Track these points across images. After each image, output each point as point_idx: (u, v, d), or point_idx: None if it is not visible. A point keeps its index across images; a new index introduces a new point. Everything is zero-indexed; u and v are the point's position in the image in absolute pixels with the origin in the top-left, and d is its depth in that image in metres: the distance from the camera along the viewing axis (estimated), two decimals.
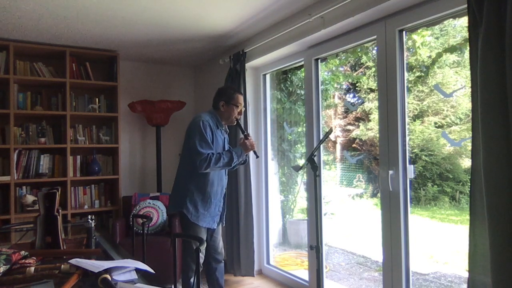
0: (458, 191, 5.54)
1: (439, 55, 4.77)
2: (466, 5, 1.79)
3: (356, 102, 6.54)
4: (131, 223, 3.23)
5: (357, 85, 6.24)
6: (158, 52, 4.17)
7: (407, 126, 2.43)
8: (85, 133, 4.07)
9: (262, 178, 3.82)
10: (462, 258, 4.07)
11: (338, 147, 7.05)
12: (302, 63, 3.28)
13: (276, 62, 3.61)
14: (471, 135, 1.76)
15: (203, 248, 2.62)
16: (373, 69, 5.57)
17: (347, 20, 2.52)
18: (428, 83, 5.33)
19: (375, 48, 2.63)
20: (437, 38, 4.77)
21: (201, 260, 2.65)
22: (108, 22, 3.19)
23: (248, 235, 3.57)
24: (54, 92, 3.96)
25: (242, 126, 2.89)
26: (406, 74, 2.43)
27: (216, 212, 2.68)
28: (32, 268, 1.43)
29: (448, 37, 4.78)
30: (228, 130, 2.83)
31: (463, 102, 5.20)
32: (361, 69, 6.26)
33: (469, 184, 1.79)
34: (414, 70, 5.00)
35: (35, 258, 1.60)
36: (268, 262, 3.81)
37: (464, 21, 3.43)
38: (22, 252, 1.59)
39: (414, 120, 5.50)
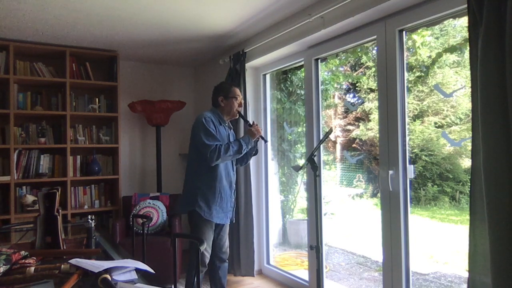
0: (458, 191, 5.54)
1: (439, 55, 4.77)
2: (466, 5, 1.79)
3: (356, 102, 6.54)
4: (131, 223, 3.23)
5: (357, 85, 6.24)
6: (158, 52, 4.17)
7: (407, 126, 2.43)
8: (85, 133, 4.07)
9: (262, 178, 3.82)
10: (462, 258, 4.07)
11: (338, 147, 7.05)
12: (302, 63, 3.28)
13: (276, 62, 3.61)
14: (471, 135, 1.76)
15: (209, 247, 2.65)
16: (373, 69, 5.57)
17: (347, 20, 2.52)
18: (428, 83, 5.33)
19: (375, 48, 2.63)
20: (437, 38, 4.77)
21: (207, 260, 2.66)
22: (108, 22, 3.19)
23: (248, 235, 3.58)
24: (54, 92, 3.96)
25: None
26: (406, 74, 2.43)
27: (229, 208, 2.72)
28: (32, 268, 1.43)
29: (448, 37, 4.78)
30: (232, 126, 2.88)
31: (463, 102, 5.19)
32: (361, 69, 6.26)
33: (469, 184, 1.79)
34: (414, 70, 5.00)
35: (35, 258, 1.60)
36: (268, 262, 3.81)
37: (464, 21, 3.44)
38: (22, 252, 1.59)
39: (414, 120, 5.50)
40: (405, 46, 2.43)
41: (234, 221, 2.89)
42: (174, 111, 4.39)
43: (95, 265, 1.37)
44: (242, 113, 2.95)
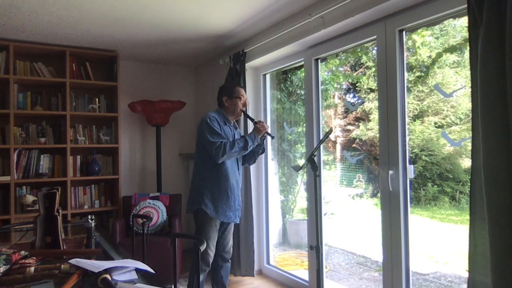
0: (458, 191, 5.54)
1: (439, 55, 4.77)
2: (466, 5, 1.79)
3: (356, 102, 6.54)
4: (131, 223, 3.23)
5: (357, 85, 6.24)
6: (158, 52, 4.17)
7: (407, 126, 2.43)
8: (85, 133, 4.07)
9: (262, 178, 3.82)
10: (462, 258, 4.07)
11: (338, 147, 7.05)
12: (302, 63, 3.28)
13: (276, 62, 3.61)
14: (471, 135, 1.76)
15: (213, 246, 2.66)
16: (373, 69, 5.57)
17: (347, 20, 2.52)
18: (428, 83, 5.33)
19: (375, 48, 2.63)
20: (437, 38, 4.77)
21: (211, 259, 2.67)
22: (108, 22, 3.19)
23: (248, 235, 3.58)
24: (54, 92, 3.96)
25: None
26: (406, 74, 2.43)
27: (237, 207, 2.74)
28: (32, 268, 1.43)
29: (448, 37, 4.78)
30: (237, 126, 2.90)
31: (463, 102, 5.20)
32: (361, 69, 6.26)
33: (469, 184, 1.79)
34: (414, 70, 5.00)
35: (35, 258, 1.60)
36: (268, 262, 3.81)
37: (464, 21, 3.44)
38: (22, 252, 1.59)
39: (414, 120, 5.50)
40: (405, 46, 2.43)
41: (239, 222, 2.91)
42: (174, 111, 4.39)
43: (95, 265, 1.37)
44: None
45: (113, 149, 4.17)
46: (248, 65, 3.67)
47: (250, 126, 3.67)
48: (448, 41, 4.72)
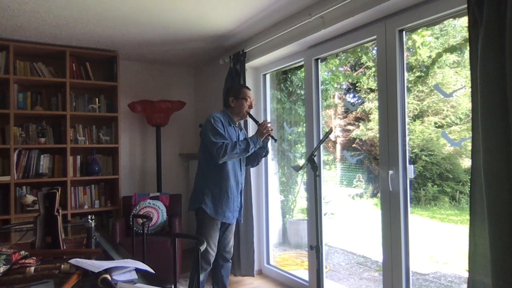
0: (458, 191, 5.54)
1: (439, 55, 4.77)
2: (466, 5, 1.79)
3: (356, 102, 6.54)
4: (131, 223, 3.23)
5: (357, 85, 6.24)
6: (158, 52, 4.17)
7: (407, 126, 2.43)
8: (85, 133, 4.07)
9: (262, 178, 3.82)
10: (462, 258, 4.08)
11: (338, 147, 7.05)
12: (302, 63, 3.28)
13: (276, 62, 3.61)
14: (471, 135, 1.76)
15: (214, 245, 2.67)
16: (373, 69, 5.57)
17: (347, 20, 2.52)
18: (428, 83, 5.33)
19: (375, 48, 2.63)
20: (437, 38, 4.77)
21: (212, 258, 2.68)
22: (108, 22, 3.19)
23: (248, 235, 3.58)
24: (54, 92, 3.96)
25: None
26: (406, 74, 2.43)
27: (235, 208, 2.74)
28: (32, 268, 1.43)
29: (448, 37, 4.78)
30: (242, 127, 2.90)
31: (463, 102, 5.20)
32: (361, 69, 6.26)
33: (469, 184, 1.79)
34: (414, 70, 5.00)
35: (35, 258, 1.60)
36: (268, 262, 3.81)
37: (464, 21, 3.44)
38: (22, 252, 1.59)
39: (414, 120, 5.50)
40: (405, 46, 2.43)
41: (241, 221, 2.91)
42: (174, 111, 4.39)
43: (95, 265, 1.37)
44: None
45: (113, 149, 4.17)
46: (248, 65, 3.66)
47: (250, 126, 3.67)
48: (448, 41, 4.73)
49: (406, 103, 2.42)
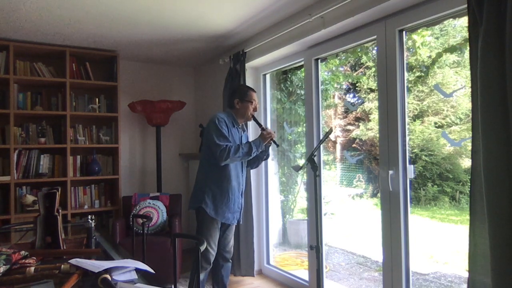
0: (458, 191, 5.54)
1: (439, 55, 4.77)
2: (466, 5, 1.79)
3: (356, 102, 6.54)
4: (131, 223, 3.23)
5: (357, 85, 6.25)
6: (158, 52, 4.17)
7: (407, 126, 2.43)
8: (85, 133, 4.07)
9: (262, 178, 3.82)
10: (462, 258, 4.08)
11: (338, 147, 7.05)
12: (302, 63, 3.28)
13: (276, 62, 3.61)
14: (471, 135, 1.76)
15: (214, 245, 2.68)
16: (373, 69, 5.57)
17: (347, 20, 2.52)
18: (428, 83, 5.33)
19: (375, 48, 2.63)
20: (437, 38, 4.77)
21: (212, 258, 2.68)
22: (108, 22, 3.19)
23: (248, 235, 3.58)
24: (54, 92, 3.96)
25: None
26: (406, 74, 2.43)
27: (236, 209, 2.74)
28: (32, 268, 1.43)
29: (448, 37, 4.78)
30: (245, 129, 2.90)
31: (463, 102, 5.20)
32: (361, 69, 6.26)
33: (469, 184, 1.79)
34: (414, 70, 5.00)
35: (35, 258, 1.60)
36: (268, 262, 3.81)
37: (464, 21, 3.44)
38: (22, 252, 1.59)
39: (414, 120, 5.50)
40: (405, 46, 2.43)
41: (241, 222, 2.91)
42: (174, 111, 4.39)
43: (95, 265, 1.37)
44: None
45: (113, 149, 4.17)
46: (248, 65, 3.66)
47: (251, 128, 3.68)
48: (448, 41, 4.73)
49: (406, 103, 2.42)
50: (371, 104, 6.01)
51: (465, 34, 3.65)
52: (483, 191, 1.66)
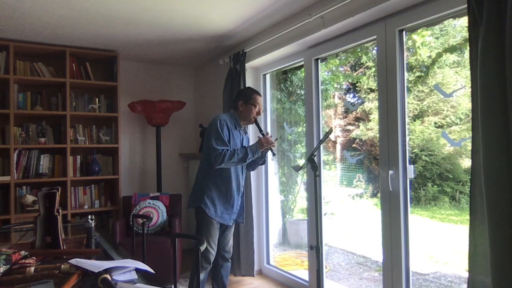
0: (458, 191, 5.54)
1: (439, 55, 4.77)
2: (466, 5, 1.79)
3: (356, 102, 6.54)
4: (131, 223, 3.23)
5: (357, 85, 6.24)
6: (158, 52, 4.17)
7: (407, 126, 2.43)
8: (85, 133, 4.07)
9: (262, 178, 3.82)
10: (462, 258, 4.08)
11: (338, 147, 7.05)
12: (302, 63, 3.28)
13: (276, 62, 3.61)
14: (471, 135, 1.76)
15: (214, 245, 2.68)
16: (373, 69, 5.57)
17: (347, 20, 2.52)
18: (428, 83, 5.33)
19: (375, 48, 2.63)
20: (437, 38, 4.77)
21: (212, 258, 2.69)
22: (108, 22, 3.19)
23: (248, 235, 3.58)
24: (54, 92, 3.96)
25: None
26: (406, 74, 2.43)
27: (234, 210, 2.75)
28: (32, 268, 1.43)
29: (448, 37, 4.78)
30: (247, 131, 2.90)
31: (463, 102, 5.20)
32: (361, 69, 6.26)
33: (469, 184, 1.79)
34: (414, 70, 5.00)
35: (35, 258, 1.60)
36: (268, 262, 3.81)
37: (464, 21, 3.44)
38: (22, 252, 1.59)
39: (414, 120, 5.50)
40: (405, 46, 2.43)
41: (243, 223, 2.93)
42: (174, 111, 4.39)
43: (95, 265, 1.37)
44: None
45: (113, 149, 4.17)
46: (248, 65, 3.66)
47: (250, 130, 3.67)
48: (448, 41, 4.73)
49: (406, 103, 2.42)
50: (371, 104, 6.01)
51: (465, 34, 3.65)
52: (483, 191, 1.66)
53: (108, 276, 1.29)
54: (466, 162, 5.27)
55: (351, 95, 6.72)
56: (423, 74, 5.08)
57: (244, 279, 3.62)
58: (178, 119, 4.71)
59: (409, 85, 5.14)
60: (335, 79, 5.67)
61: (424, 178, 5.55)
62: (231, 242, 2.86)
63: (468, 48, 1.78)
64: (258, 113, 2.77)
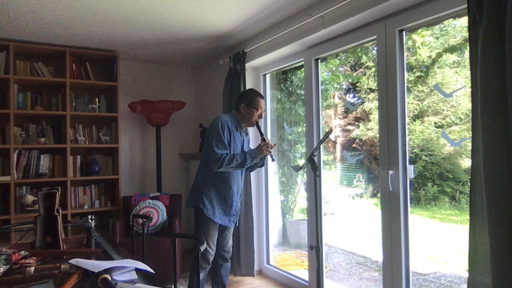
0: (458, 191, 5.54)
1: (439, 55, 4.77)
2: (466, 5, 1.79)
3: (356, 102, 6.54)
4: (131, 223, 3.23)
5: (357, 85, 6.24)
6: (158, 52, 4.17)
7: (407, 126, 2.43)
8: (85, 133, 4.07)
9: (262, 178, 3.82)
10: (462, 258, 4.07)
11: (338, 147, 7.05)
12: (302, 63, 3.28)
13: (276, 62, 3.61)
14: (471, 135, 1.76)
15: (213, 245, 2.68)
16: (373, 69, 5.57)
17: (347, 20, 2.52)
18: (428, 83, 5.33)
19: (375, 48, 2.63)
20: (437, 38, 4.77)
21: (211, 258, 2.69)
22: (108, 22, 3.19)
23: (248, 235, 3.58)
24: (54, 92, 3.96)
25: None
26: (406, 74, 2.43)
27: (233, 212, 2.75)
28: (32, 268, 1.43)
29: (448, 37, 4.77)
30: (248, 133, 2.90)
31: (463, 102, 5.19)
32: (361, 69, 6.26)
33: (469, 184, 1.79)
34: (414, 70, 5.00)
35: (35, 258, 1.60)
36: (268, 262, 3.81)
37: (464, 21, 3.44)
38: (22, 252, 1.59)
39: (414, 120, 5.50)
40: (405, 46, 2.43)
41: (237, 225, 2.92)
42: (174, 111, 4.39)
43: (95, 265, 1.37)
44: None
45: (113, 149, 4.17)
46: (248, 65, 3.66)
47: (250, 132, 3.67)
48: (448, 41, 4.72)
49: (406, 103, 2.42)
50: (371, 104, 6.01)
51: (465, 34, 3.65)
52: (483, 191, 1.66)
53: (108, 276, 1.29)
54: (466, 162, 5.27)
55: (351, 95, 6.71)
56: (423, 74, 5.08)
57: (244, 279, 3.62)
58: (178, 119, 4.71)
59: (409, 85, 5.14)
60: (335, 79, 5.66)
61: (424, 178, 5.55)
62: (230, 242, 2.86)
63: (468, 48, 1.78)
64: (260, 117, 2.77)
